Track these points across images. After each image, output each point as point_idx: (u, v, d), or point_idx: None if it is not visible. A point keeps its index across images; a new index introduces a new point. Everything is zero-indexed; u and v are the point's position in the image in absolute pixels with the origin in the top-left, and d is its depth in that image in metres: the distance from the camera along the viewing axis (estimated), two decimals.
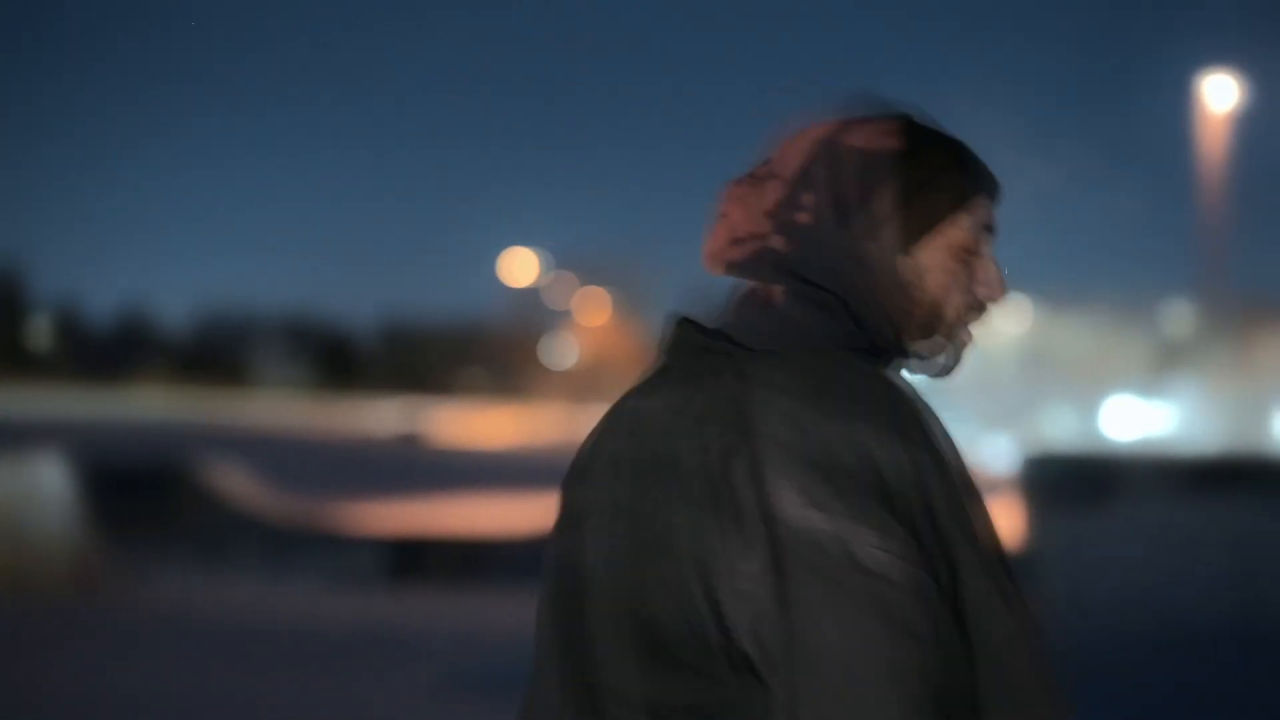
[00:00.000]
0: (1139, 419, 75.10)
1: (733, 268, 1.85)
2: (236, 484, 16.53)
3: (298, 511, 17.09)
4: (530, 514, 18.97)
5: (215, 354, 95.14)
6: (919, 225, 1.83)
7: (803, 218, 1.82)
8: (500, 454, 53.86)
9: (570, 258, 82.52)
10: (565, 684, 1.75)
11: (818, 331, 1.78)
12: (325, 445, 50.26)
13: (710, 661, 1.66)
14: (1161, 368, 73.22)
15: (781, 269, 1.82)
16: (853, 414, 1.67)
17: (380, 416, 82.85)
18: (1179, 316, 72.35)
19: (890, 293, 1.82)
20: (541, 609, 1.81)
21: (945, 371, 1.89)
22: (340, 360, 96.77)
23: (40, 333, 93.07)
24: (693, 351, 1.80)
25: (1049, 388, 63.99)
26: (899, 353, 1.84)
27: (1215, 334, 43.34)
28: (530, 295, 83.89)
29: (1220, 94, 31.84)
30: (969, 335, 1.89)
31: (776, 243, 1.82)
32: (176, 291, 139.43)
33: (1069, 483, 11.44)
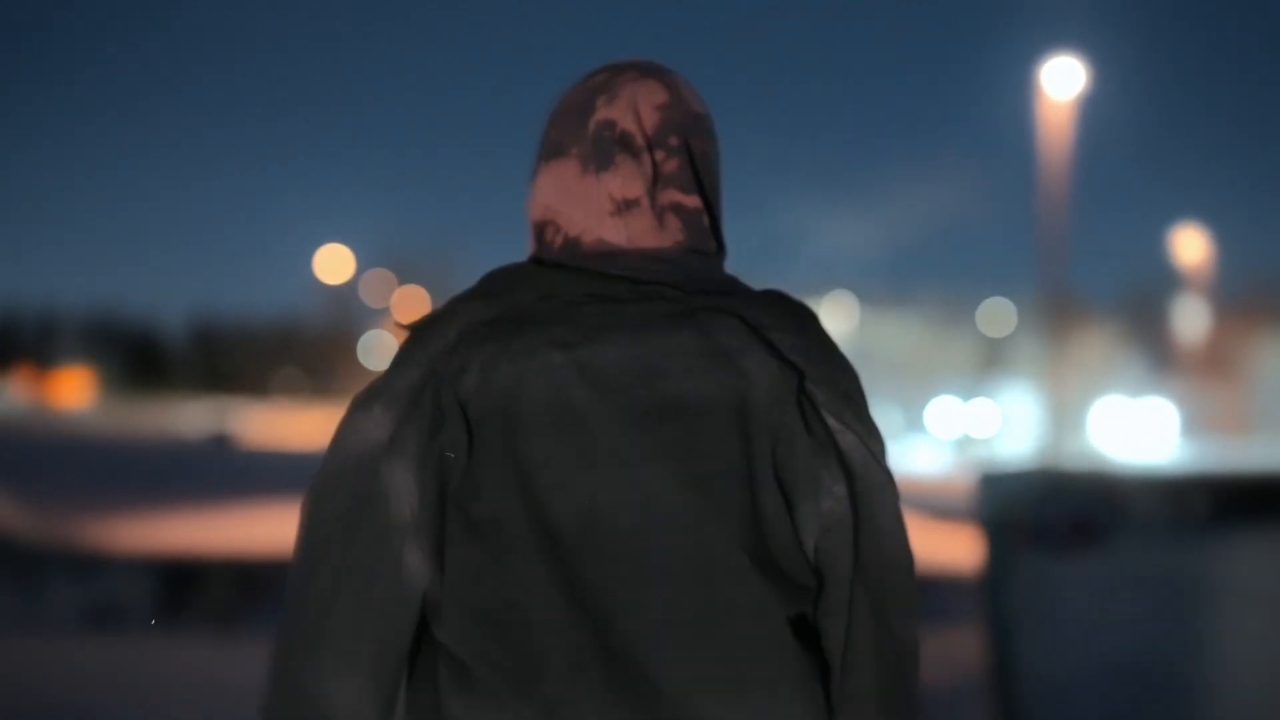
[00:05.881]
0: (969, 418, 75.57)
1: (620, 231, 2.03)
2: None
3: (59, 532, 15.07)
4: None
5: (11, 350, 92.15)
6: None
7: (683, 185, 2.07)
8: (315, 456, 52.36)
9: (387, 255, 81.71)
10: (579, 624, 1.90)
11: (724, 275, 2.07)
12: (124, 450, 47.90)
13: (786, 572, 1.93)
14: (992, 366, 73.62)
15: (688, 229, 2.06)
16: (832, 345, 2.02)
17: (190, 418, 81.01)
18: (1005, 316, 72.68)
19: None
20: (526, 556, 1.91)
21: None
22: (147, 359, 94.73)
23: None
24: (648, 296, 1.97)
25: (875, 387, 63.12)
26: None
27: (1047, 332, 42.77)
28: (346, 293, 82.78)
29: (1063, 79, 30.96)
30: None
31: (681, 206, 2.06)
32: None
33: (1047, 510, 8.70)
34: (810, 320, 2.02)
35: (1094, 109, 63.06)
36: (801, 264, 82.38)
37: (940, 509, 23.96)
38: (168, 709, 9.28)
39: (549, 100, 2.14)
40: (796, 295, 2.09)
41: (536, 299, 1.98)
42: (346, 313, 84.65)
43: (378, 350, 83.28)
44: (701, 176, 2.09)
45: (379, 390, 2.00)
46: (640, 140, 2.06)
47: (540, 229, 2.08)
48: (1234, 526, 8.48)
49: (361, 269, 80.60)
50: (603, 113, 2.07)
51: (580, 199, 2.04)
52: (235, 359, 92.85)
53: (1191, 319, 66.15)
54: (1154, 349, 68.38)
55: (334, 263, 79.26)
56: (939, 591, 15.43)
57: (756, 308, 1.99)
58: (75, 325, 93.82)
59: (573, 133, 2.07)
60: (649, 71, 2.10)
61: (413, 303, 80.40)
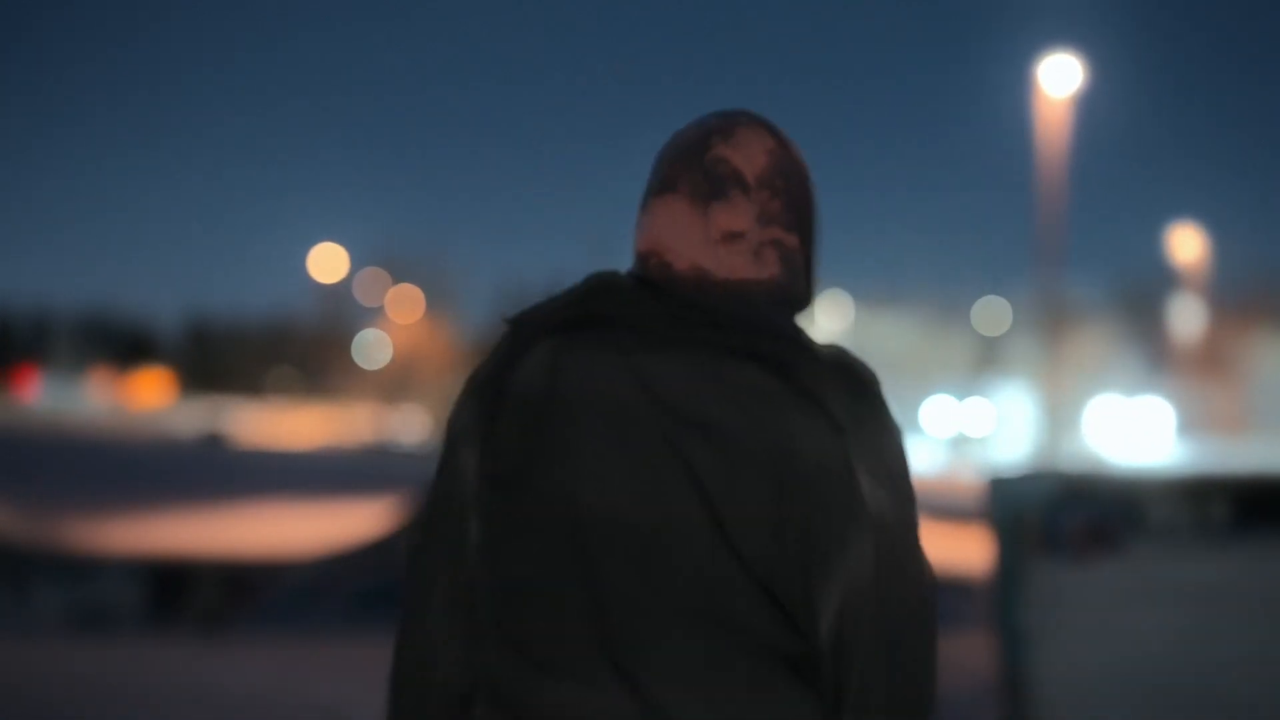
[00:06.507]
0: (964, 417, 75.49)
1: (721, 261, 2.18)
2: None
3: (48, 533, 14.87)
4: (321, 527, 17.03)
5: (5, 349, 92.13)
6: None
7: (785, 224, 2.23)
8: (308, 455, 52.27)
9: (381, 255, 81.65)
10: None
11: (796, 328, 2.14)
12: (116, 448, 47.69)
13: (790, 615, 2.02)
14: (987, 365, 73.54)
15: (784, 265, 2.21)
16: (884, 411, 2.10)
17: (184, 417, 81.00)
18: (1000, 314, 72.58)
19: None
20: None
21: None
22: (142, 358, 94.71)
23: None
24: (718, 326, 2.10)
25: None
26: None
27: (1042, 331, 42.64)
28: (340, 292, 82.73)
29: (1060, 76, 30.77)
30: None
31: (781, 243, 2.22)
32: None
33: (1061, 515, 8.46)
34: (868, 384, 2.13)
35: (1091, 107, 62.91)
36: None
37: (939, 508, 23.84)
38: (157, 712, 9.12)
39: (664, 140, 2.31)
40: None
41: (618, 308, 2.16)
42: (340, 311, 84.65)
43: (372, 349, 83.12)
44: (801, 219, 2.27)
45: (469, 379, 2.21)
46: (751, 179, 2.23)
47: (645, 258, 2.23)
48: (1255, 531, 8.27)
49: (355, 268, 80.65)
50: (718, 150, 2.24)
51: (687, 230, 2.21)
52: (229, 358, 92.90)
53: (1187, 318, 66.04)
54: (1150, 348, 68.28)
55: (328, 262, 79.19)
56: (943, 594, 15.26)
57: (817, 365, 2.10)
58: (69, 324, 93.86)
59: (686, 169, 2.24)
60: (761, 121, 2.30)
61: (406, 302, 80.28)
